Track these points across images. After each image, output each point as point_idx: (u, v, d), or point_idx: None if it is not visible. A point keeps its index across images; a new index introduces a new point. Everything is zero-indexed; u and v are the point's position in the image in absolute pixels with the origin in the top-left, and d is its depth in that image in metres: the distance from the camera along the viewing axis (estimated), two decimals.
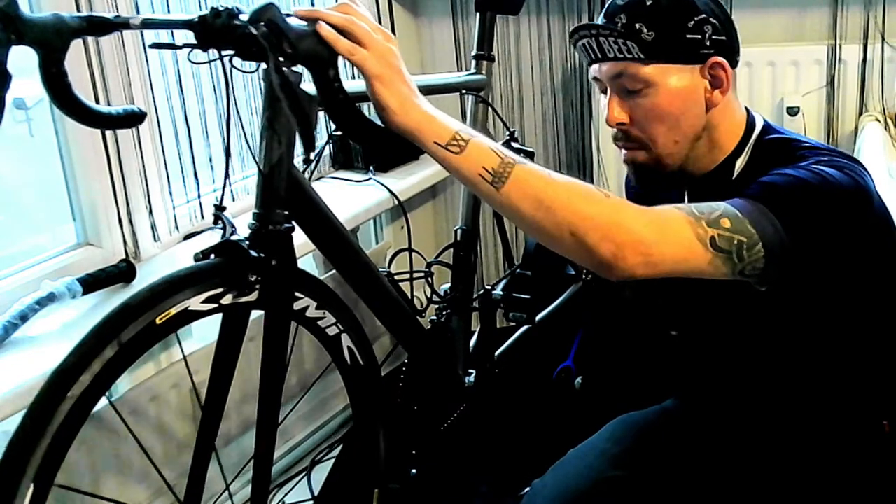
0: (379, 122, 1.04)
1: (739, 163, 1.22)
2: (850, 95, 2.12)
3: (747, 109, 1.26)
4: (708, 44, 1.17)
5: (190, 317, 1.13)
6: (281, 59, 0.97)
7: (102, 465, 1.63)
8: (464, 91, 1.76)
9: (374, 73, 1.00)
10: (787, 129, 1.27)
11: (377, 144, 1.03)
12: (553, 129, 2.46)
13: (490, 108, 1.80)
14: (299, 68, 1.01)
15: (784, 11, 2.14)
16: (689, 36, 1.16)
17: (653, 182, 1.25)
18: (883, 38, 2.08)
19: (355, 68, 1.02)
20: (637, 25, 1.16)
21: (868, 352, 1.22)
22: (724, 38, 1.18)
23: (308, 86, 1.02)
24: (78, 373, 1.04)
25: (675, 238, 1.03)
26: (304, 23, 1.01)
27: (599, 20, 1.21)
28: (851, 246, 1.10)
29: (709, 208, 1.05)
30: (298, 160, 1.23)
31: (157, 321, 1.09)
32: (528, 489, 1.39)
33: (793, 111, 2.11)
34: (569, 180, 1.03)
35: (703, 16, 1.17)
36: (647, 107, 1.18)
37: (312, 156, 1.01)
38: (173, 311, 1.11)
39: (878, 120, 2.08)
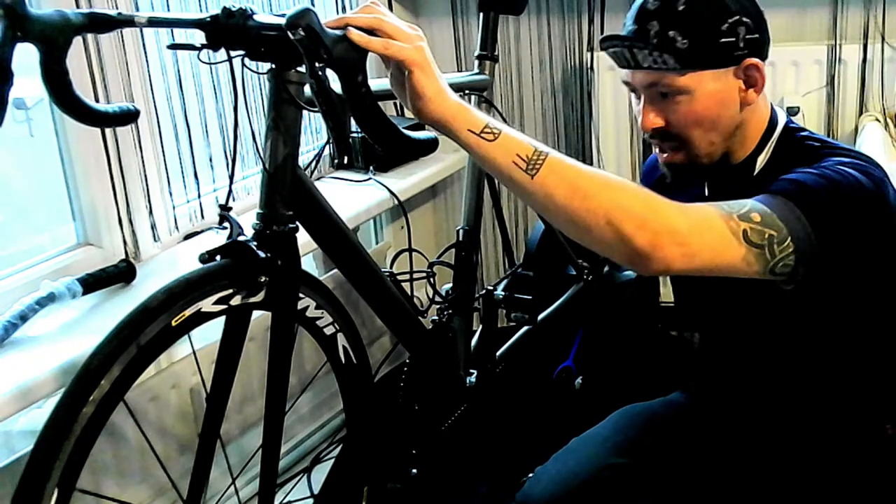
0: (399, 126, 1.05)
1: (761, 159, 1.22)
2: (850, 95, 2.12)
3: (771, 104, 1.26)
4: (742, 45, 1.15)
5: (202, 318, 1.14)
6: (317, 64, 0.97)
7: (102, 465, 1.62)
8: (467, 91, 1.76)
9: (414, 61, 0.99)
10: (808, 127, 1.26)
11: (399, 148, 1.03)
12: (553, 129, 2.46)
13: (493, 109, 1.80)
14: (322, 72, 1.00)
15: (784, 11, 2.14)
16: (723, 40, 1.14)
17: (687, 178, 1.25)
18: (883, 38, 2.08)
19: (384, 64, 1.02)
20: (671, 34, 1.14)
21: (876, 354, 1.22)
22: (757, 35, 1.16)
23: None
24: (100, 376, 1.05)
25: (709, 230, 1.02)
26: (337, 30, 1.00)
27: (629, 24, 1.19)
28: (871, 247, 1.10)
29: (738, 204, 1.05)
30: (301, 160, 1.23)
31: (173, 323, 1.10)
32: (531, 475, 1.39)
33: (793, 111, 2.11)
34: (600, 171, 1.03)
35: (737, 16, 1.14)
36: (684, 112, 1.17)
37: (337, 158, 1.02)
38: (188, 312, 1.12)
39: (878, 120, 2.08)
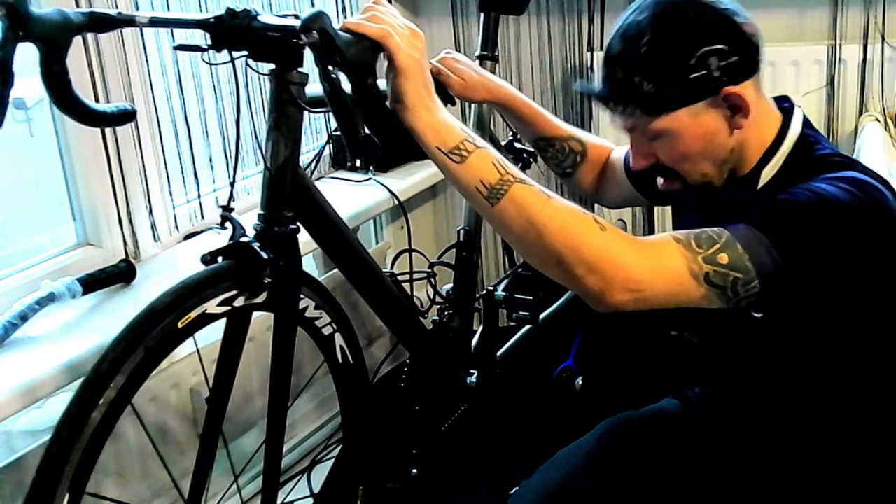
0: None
1: (766, 172, 1.15)
2: (850, 95, 2.12)
3: (784, 110, 1.18)
4: (717, 74, 1.07)
5: (207, 319, 1.14)
6: (329, 67, 0.97)
7: (101, 465, 1.62)
8: None
9: (403, 65, 1.00)
10: (824, 138, 1.18)
11: (407, 149, 1.04)
12: None
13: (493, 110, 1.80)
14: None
15: (784, 11, 2.14)
16: (693, 75, 1.07)
17: (689, 199, 1.24)
18: (883, 38, 2.08)
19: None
20: (636, 80, 1.09)
21: (858, 373, 1.18)
22: (736, 58, 1.08)
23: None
24: (110, 379, 1.05)
25: (667, 274, 1.01)
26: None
27: (601, 70, 1.15)
28: (862, 267, 1.05)
29: (709, 241, 1.02)
30: (302, 160, 1.24)
31: (179, 325, 1.10)
32: (517, 488, 1.39)
33: None
34: (567, 206, 1.01)
35: (706, 46, 1.07)
36: (669, 151, 1.14)
37: (349, 160, 1.02)
38: (193, 314, 1.12)
39: (878, 120, 2.08)
